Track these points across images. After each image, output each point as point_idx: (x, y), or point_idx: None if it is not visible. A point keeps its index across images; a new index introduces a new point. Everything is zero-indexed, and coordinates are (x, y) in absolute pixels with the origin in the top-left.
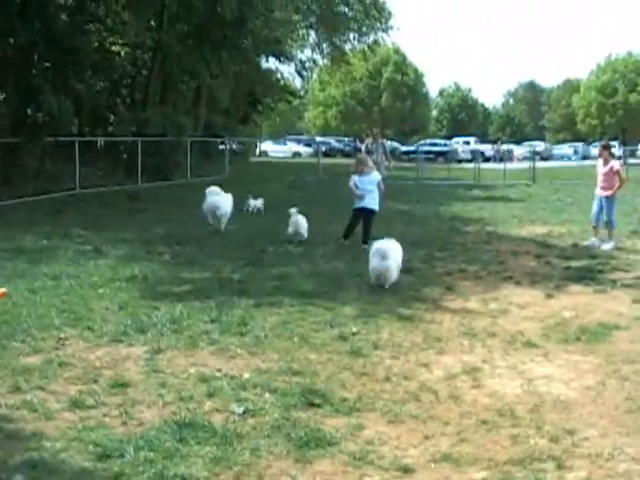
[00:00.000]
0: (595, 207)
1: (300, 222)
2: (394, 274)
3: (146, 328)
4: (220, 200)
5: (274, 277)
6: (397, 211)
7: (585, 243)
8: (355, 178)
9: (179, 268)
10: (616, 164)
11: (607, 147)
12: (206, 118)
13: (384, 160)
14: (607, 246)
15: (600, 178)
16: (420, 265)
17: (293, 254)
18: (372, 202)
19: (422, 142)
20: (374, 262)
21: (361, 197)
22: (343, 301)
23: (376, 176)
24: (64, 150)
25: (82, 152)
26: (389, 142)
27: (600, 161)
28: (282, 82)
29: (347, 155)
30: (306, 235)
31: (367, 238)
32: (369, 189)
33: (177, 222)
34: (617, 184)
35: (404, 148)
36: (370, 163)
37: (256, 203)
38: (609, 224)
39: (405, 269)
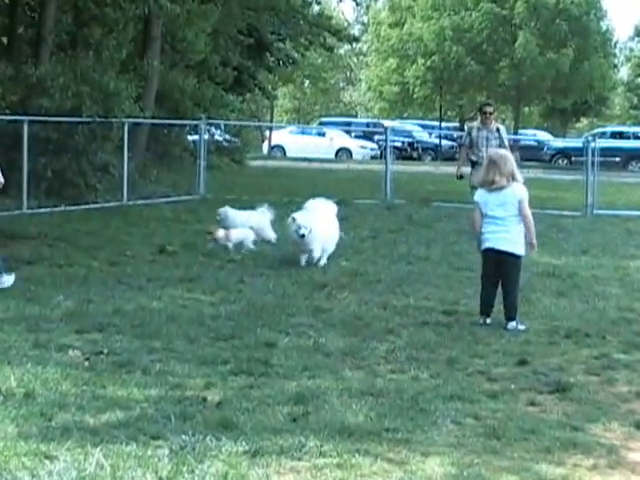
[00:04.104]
0: None
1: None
2: None
3: None
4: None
5: (289, 397)
6: (542, 269)
7: None
8: (479, 194)
9: (100, 378)
10: None
11: None
12: (162, 81)
13: None
14: None
15: None
16: (583, 378)
17: (330, 350)
18: (508, 239)
19: (597, 131)
20: None
21: (481, 233)
22: (426, 448)
23: (515, 193)
24: None
25: None
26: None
27: None
28: (316, 9)
29: (449, 159)
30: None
31: (513, 310)
32: (500, 217)
33: (98, 287)
34: None
35: (559, 143)
36: (509, 169)
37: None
38: None
39: (554, 385)
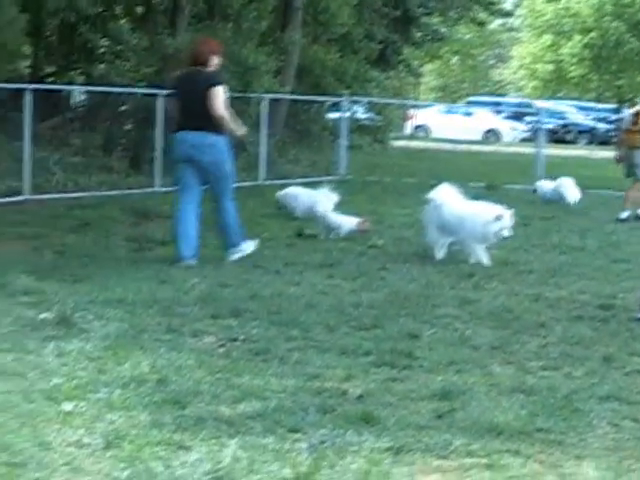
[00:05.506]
0: None
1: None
2: None
3: None
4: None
5: (434, 393)
6: None
7: None
8: None
9: (235, 366)
10: None
11: None
12: (303, 54)
13: None
14: None
15: None
16: None
17: (477, 344)
18: None
19: None
20: None
21: None
22: (581, 450)
23: None
24: None
25: (38, 115)
26: None
27: None
28: None
29: (605, 142)
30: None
31: None
32: None
33: (234, 270)
34: None
35: None
36: None
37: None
38: None
39: None
